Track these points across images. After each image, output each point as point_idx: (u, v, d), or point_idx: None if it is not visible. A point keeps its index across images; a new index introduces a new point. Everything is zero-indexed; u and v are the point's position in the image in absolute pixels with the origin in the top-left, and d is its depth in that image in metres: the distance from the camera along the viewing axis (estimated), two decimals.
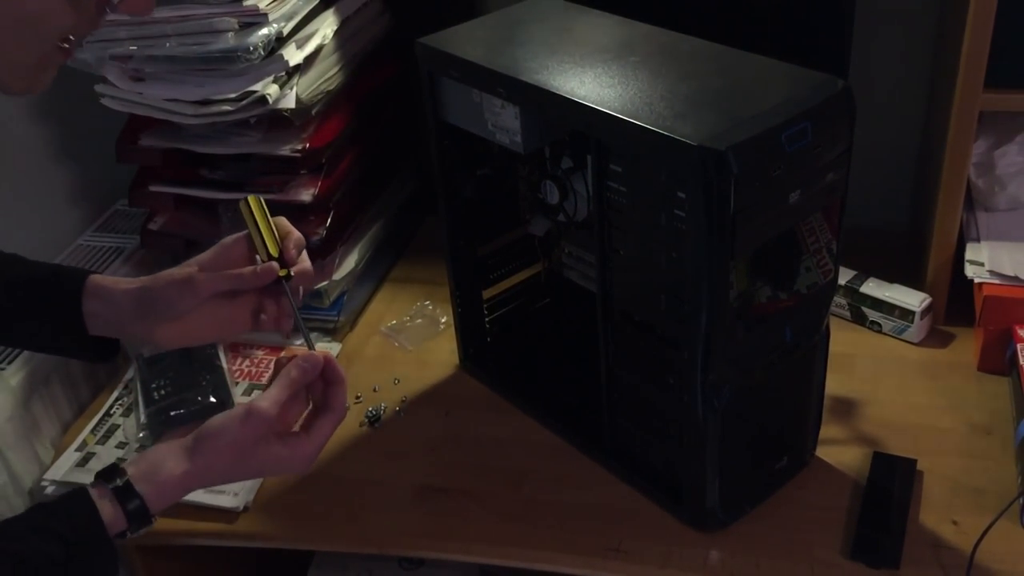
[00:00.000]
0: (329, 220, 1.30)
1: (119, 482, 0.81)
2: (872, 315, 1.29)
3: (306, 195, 1.26)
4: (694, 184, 0.84)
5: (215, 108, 1.21)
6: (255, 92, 1.20)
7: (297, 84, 1.23)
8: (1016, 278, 1.18)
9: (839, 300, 1.30)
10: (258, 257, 0.95)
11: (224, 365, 1.29)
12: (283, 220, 0.97)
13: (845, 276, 1.30)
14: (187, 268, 0.94)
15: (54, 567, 0.76)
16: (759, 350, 0.96)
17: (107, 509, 0.80)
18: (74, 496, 0.80)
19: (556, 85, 0.95)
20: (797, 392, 1.05)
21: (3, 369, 1.20)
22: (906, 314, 1.26)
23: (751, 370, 0.96)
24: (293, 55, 1.22)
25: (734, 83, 0.93)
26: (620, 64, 0.97)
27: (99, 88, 1.28)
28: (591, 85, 0.94)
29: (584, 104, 0.91)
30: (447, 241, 1.20)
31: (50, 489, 1.15)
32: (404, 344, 1.34)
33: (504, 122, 1.02)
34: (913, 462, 1.08)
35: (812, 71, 0.92)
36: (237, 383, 1.28)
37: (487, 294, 1.27)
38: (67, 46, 0.74)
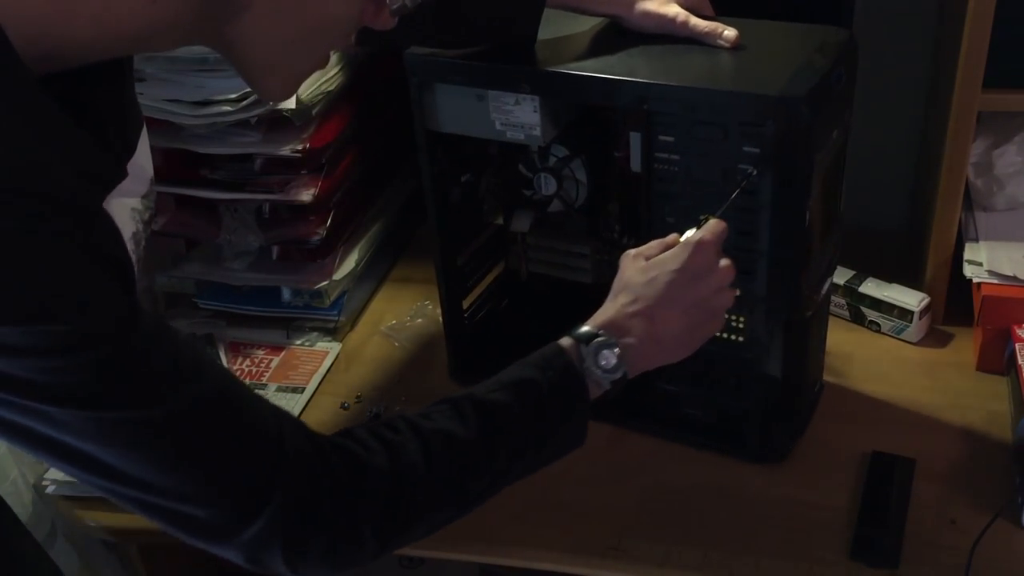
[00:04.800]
0: (329, 220, 1.30)
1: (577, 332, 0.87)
2: (871, 315, 1.29)
3: (306, 195, 1.26)
4: (774, 134, 0.89)
5: (215, 108, 1.22)
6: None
7: None
8: (1015, 278, 1.18)
9: (838, 300, 1.30)
10: None
11: (224, 365, 1.29)
12: None
13: (844, 276, 1.30)
14: None
15: (536, 388, 0.83)
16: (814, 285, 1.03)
17: (572, 347, 0.86)
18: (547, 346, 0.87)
19: (595, 69, 0.97)
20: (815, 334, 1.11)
21: None
22: (905, 314, 1.26)
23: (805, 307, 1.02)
24: None
25: (759, 46, 0.99)
26: (642, 46, 1.01)
27: None
28: (626, 64, 0.97)
29: (636, 81, 0.94)
30: (440, 253, 1.18)
31: (51, 488, 1.15)
32: (404, 344, 1.35)
33: (518, 118, 1.02)
34: (912, 461, 1.08)
35: (820, 25, 1.01)
36: None
37: (466, 302, 1.27)
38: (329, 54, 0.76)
